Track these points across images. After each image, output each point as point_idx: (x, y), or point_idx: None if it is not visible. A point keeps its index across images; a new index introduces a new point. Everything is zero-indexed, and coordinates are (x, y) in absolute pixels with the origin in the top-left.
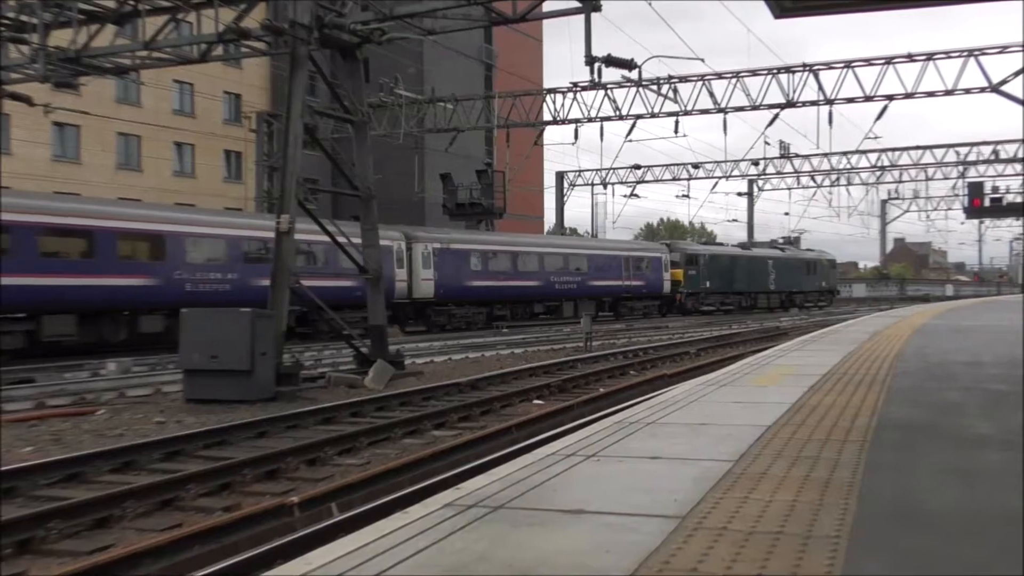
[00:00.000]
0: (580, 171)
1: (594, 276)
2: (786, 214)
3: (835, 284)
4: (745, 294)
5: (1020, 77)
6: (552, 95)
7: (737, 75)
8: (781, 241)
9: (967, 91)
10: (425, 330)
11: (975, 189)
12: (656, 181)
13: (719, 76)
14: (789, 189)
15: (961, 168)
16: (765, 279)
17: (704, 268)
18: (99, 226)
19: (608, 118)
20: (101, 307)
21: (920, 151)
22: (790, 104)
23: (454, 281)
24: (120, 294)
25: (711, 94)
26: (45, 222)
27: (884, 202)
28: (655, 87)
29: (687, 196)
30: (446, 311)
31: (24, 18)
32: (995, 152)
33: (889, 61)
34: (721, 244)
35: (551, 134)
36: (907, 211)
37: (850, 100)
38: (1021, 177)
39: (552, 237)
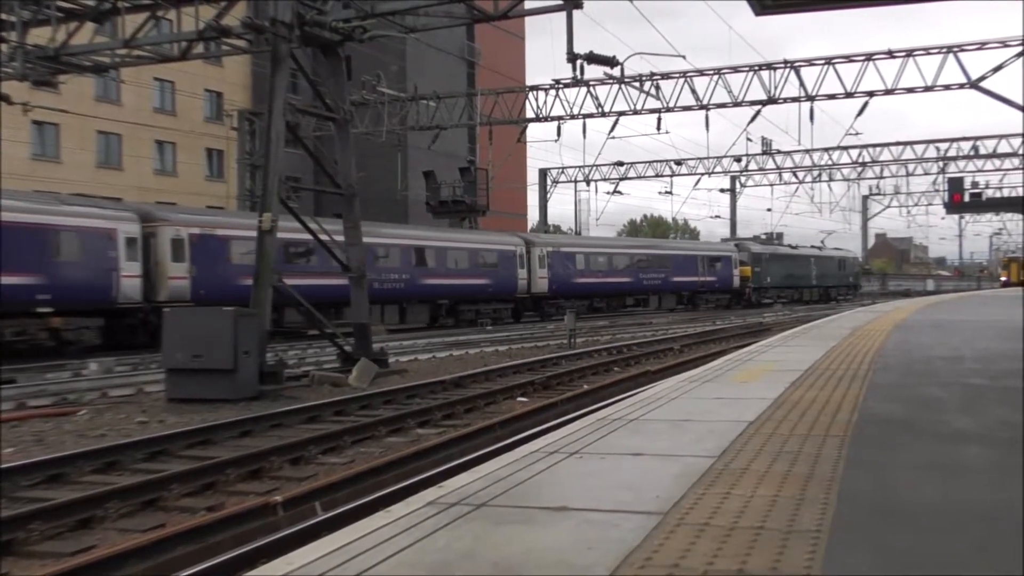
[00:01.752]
0: (563, 168)
1: (675, 273)
2: (768, 210)
3: (859, 279)
4: (794, 288)
5: (1000, 72)
6: (535, 92)
7: (719, 72)
8: (821, 241)
9: (947, 87)
10: (539, 319)
11: (955, 184)
12: (639, 178)
13: (701, 73)
14: (771, 185)
15: (941, 164)
16: (809, 275)
17: (766, 265)
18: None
19: (591, 115)
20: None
21: (901, 147)
22: (772, 101)
23: (563, 279)
24: (330, 292)
25: (693, 91)
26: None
27: (865, 198)
28: (637, 84)
29: (670, 193)
30: (556, 303)
31: (2, 16)
32: (975, 148)
33: (869, 58)
34: (777, 244)
35: (534, 131)
36: (888, 207)
37: (831, 96)
38: (1022, 172)
39: (642, 240)
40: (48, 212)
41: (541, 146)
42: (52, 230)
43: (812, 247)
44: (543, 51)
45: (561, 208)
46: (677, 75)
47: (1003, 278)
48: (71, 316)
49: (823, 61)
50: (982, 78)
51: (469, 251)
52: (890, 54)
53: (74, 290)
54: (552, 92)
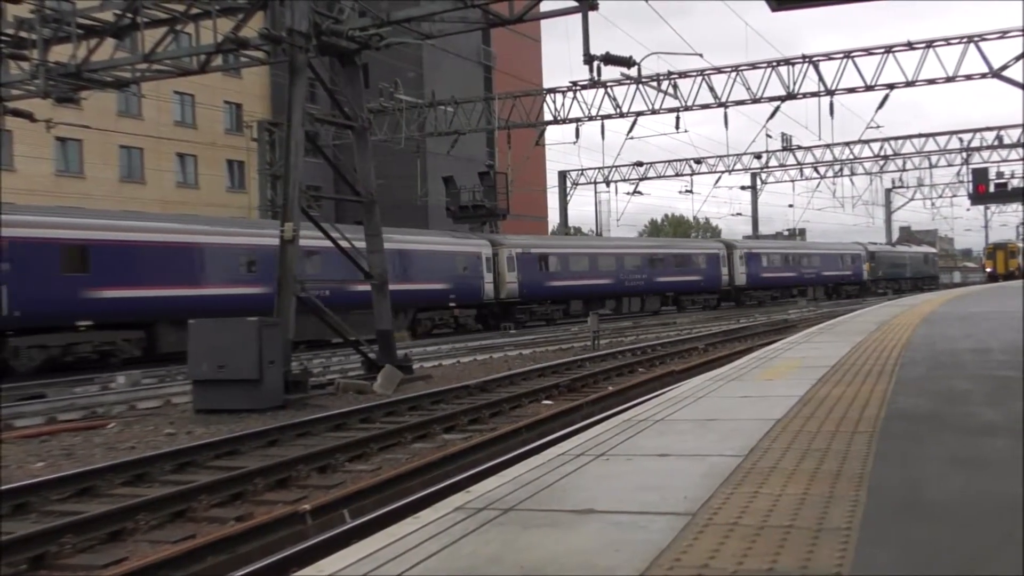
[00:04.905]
0: (582, 170)
1: (824, 268)
2: (790, 206)
3: (938, 272)
4: (895, 280)
5: (1021, 62)
6: (552, 95)
7: (737, 69)
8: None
9: (968, 77)
10: (735, 305)
11: (979, 175)
12: (659, 177)
13: (718, 71)
14: (792, 181)
15: (965, 154)
16: (906, 269)
17: (878, 262)
18: (594, 252)
19: (609, 116)
20: (589, 296)
21: (923, 139)
22: (791, 96)
23: (755, 274)
24: (597, 289)
25: (711, 89)
26: (564, 252)
27: (888, 191)
28: (655, 84)
29: (690, 191)
30: (748, 293)
31: (23, 34)
32: (998, 137)
33: (889, 50)
34: (878, 243)
35: (552, 134)
36: (912, 199)
37: (851, 90)
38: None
39: (803, 242)
40: (451, 244)
41: (560, 148)
42: (456, 255)
43: (902, 244)
44: (559, 53)
45: (581, 210)
46: (694, 73)
47: (988, 269)
48: (462, 308)
49: (842, 55)
50: (1004, 67)
51: (686, 255)
52: (910, 46)
53: (464, 292)
54: (569, 94)
